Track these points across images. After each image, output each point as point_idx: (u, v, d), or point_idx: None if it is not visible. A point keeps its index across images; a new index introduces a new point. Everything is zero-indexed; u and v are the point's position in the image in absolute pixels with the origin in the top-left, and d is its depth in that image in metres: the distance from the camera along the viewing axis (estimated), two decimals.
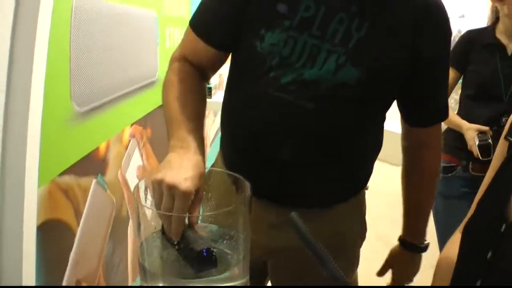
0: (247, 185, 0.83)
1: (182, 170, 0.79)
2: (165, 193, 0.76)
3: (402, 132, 1.20)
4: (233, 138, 1.10)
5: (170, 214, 0.76)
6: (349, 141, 1.03)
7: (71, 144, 1.07)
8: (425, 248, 1.27)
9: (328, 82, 0.95)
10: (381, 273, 1.34)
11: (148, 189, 0.82)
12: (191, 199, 0.77)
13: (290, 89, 0.97)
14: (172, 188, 0.76)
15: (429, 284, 0.94)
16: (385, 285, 1.35)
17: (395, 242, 1.30)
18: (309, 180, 1.04)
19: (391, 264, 1.32)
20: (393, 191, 2.13)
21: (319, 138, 1.00)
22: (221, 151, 1.16)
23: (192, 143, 0.87)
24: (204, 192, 0.84)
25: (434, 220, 2.01)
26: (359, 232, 1.20)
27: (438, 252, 1.03)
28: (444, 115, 1.14)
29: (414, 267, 1.29)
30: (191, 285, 0.77)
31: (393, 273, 1.33)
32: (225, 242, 0.82)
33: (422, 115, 1.12)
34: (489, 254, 0.67)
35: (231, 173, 0.88)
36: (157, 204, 0.79)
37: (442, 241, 1.96)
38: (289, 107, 0.97)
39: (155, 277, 0.82)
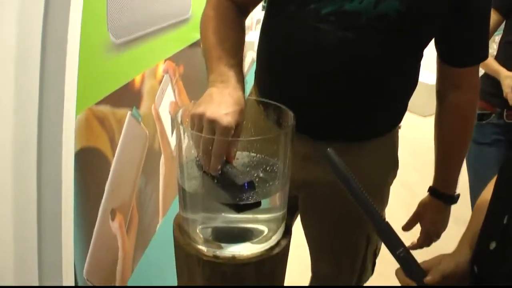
0: (291, 114, 0.83)
1: (223, 105, 0.78)
2: (205, 127, 0.76)
3: (437, 74, 1.16)
4: (271, 70, 1.09)
5: (210, 148, 0.76)
6: (387, 74, 1.02)
7: (107, 74, 1.07)
8: (456, 198, 1.25)
9: (368, 14, 0.93)
10: (408, 226, 1.32)
11: (182, 123, 0.83)
12: (231, 135, 0.77)
13: (330, 20, 0.95)
14: (212, 123, 0.76)
15: (453, 239, 0.93)
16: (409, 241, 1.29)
17: (418, 190, 1.27)
18: (347, 113, 1.04)
19: (420, 216, 1.30)
20: (418, 140, 2.11)
21: (358, 70, 0.98)
22: (256, 84, 1.16)
23: (232, 78, 0.87)
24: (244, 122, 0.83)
25: (467, 167, 1.99)
26: (392, 168, 1.20)
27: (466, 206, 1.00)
28: (483, 56, 1.11)
29: (443, 220, 1.27)
30: (230, 214, 0.78)
31: (422, 226, 1.31)
32: (268, 169, 0.83)
33: (461, 55, 1.09)
34: None
35: (273, 102, 0.88)
36: (196, 138, 0.79)
37: (474, 186, 1.95)
38: (329, 37, 0.95)
39: (194, 200, 0.84)
